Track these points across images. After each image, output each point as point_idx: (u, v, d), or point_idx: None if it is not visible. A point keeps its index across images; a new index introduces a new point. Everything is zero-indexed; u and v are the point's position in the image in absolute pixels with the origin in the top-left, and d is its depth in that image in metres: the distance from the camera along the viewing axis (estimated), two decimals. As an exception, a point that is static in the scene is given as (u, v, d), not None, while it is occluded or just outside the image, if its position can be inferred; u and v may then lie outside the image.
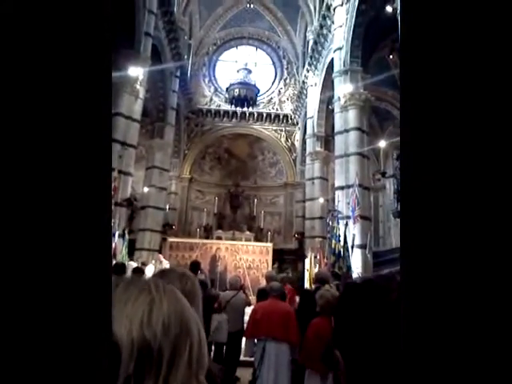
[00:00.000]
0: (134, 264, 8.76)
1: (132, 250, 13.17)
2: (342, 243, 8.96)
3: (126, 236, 10.92)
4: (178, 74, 17.21)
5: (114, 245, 9.81)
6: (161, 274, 0.97)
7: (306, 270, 12.44)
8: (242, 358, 5.20)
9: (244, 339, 4.04)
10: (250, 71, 19.41)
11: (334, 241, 9.13)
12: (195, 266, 5.49)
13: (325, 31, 14.69)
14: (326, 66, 14.75)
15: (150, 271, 11.09)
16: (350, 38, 11.89)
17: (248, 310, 5.78)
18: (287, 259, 18.05)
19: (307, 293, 4.63)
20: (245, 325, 5.24)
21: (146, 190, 15.96)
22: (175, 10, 16.06)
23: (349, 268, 8.53)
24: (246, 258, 13.47)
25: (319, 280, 4.43)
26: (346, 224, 9.70)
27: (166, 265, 11.78)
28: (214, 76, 22.97)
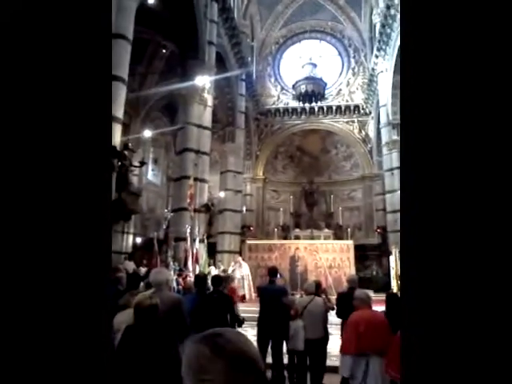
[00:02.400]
0: (213, 272, 9.01)
1: (213, 253, 13.61)
2: None
3: (205, 241, 11.24)
4: (244, 77, 17.40)
5: (195, 250, 10.16)
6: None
7: (391, 268, 11.80)
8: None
9: (341, 356, 3.58)
10: (315, 65, 18.99)
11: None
12: (274, 272, 5.39)
13: (392, 11, 13.80)
14: (396, 49, 13.83)
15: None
16: (422, 15, 11.00)
17: (333, 318, 5.48)
18: (370, 255, 17.33)
19: (395, 298, 4.26)
20: (329, 331, 4.97)
21: (222, 194, 16.38)
22: (235, 15, 16.23)
23: None
24: (327, 257, 13.11)
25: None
26: None
27: (244, 267, 11.95)
28: (280, 75, 22.86)
